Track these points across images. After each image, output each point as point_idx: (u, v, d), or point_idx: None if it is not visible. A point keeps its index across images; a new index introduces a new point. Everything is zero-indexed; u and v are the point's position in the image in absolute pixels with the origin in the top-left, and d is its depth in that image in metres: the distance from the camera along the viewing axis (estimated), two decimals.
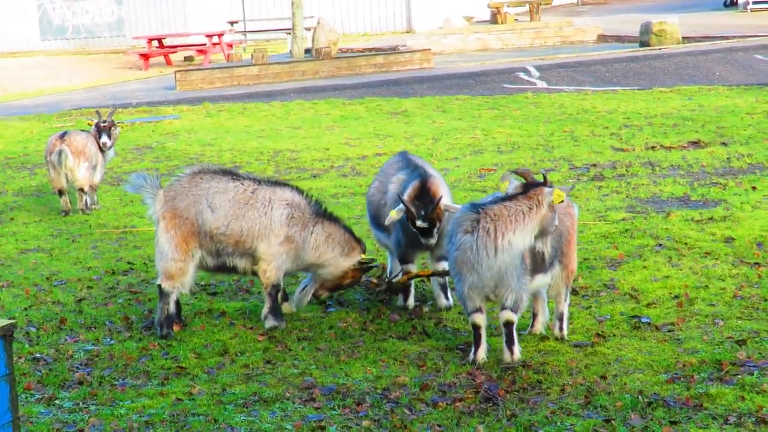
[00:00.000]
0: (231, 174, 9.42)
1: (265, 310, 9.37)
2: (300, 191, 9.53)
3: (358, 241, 9.63)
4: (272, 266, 9.26)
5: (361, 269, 9.62)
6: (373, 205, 9.94)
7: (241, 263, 9.33)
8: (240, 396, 7.73)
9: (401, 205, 9.16)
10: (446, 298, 9.66)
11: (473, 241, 7.89)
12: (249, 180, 9.40)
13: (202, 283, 10.73)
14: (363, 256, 9.58)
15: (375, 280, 9.83)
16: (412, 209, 9.09)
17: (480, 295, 8.05)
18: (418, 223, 9.11)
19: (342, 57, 30.42)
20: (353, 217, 12.87)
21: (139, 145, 19.82)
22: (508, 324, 8.08)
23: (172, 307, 9.22)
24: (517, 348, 8.15)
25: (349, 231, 9.62)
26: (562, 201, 7.99)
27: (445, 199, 9.23)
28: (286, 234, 9.27)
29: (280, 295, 9.42)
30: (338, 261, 9.50)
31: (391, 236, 9.67)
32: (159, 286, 9.22)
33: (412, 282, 9.71)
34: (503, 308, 8.05)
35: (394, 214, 9.22)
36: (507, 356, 8.12)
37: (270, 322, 9.32)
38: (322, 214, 9.50)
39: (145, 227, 13.37)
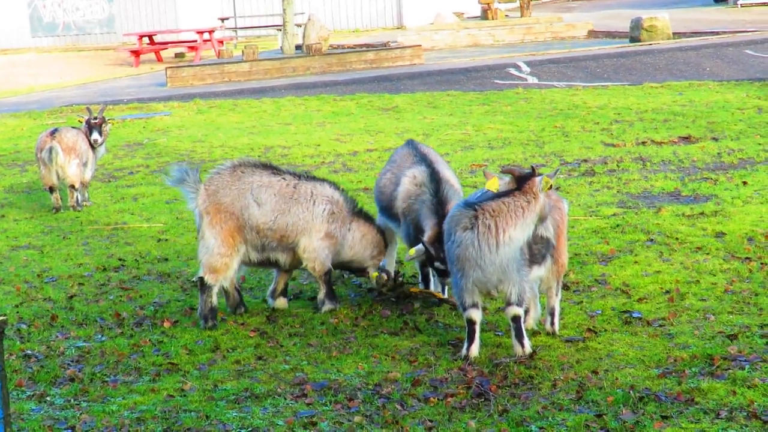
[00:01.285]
0: (271, 168, 9.48)
1: (320, 295, 9.54)
2: (337, 187, 9.65)
3: (386, 247, 9.85)
4: (319, 261, 9.42)
5: (370, 270, 9.81)
6: (385, 195, 9.93)
7: (283, 257, 9.44)
8: (231, 392, 7.73)
9: (421, 246, 9.24)
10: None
11: (474, 237, 7.92)
12: (289, 174, 9.49)
13: (194, 279, 10.71)
14: (376, 272, 9.73)
15: (386, 276, 9.80)
16: (432, 251, 9.18)
17: (482, 291, 8.08)
18: (436, 264, 9.26)
19: (333, 53, 30.42)
20: None
21: (130, 141, 19.80)
22: (516, 319, 8.11)
23: (214, 300, 9.23)
24: (527, 341, 8.17)
25: (381, 233, 9.83)
26: (551, 187, 8.03)
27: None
28: (326, 230, 9.41)
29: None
30: (365, 261, 9.77)
31: (401, 228, 9.73)
32: (201, 278, 9.22)
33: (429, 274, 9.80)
34: (509, 304, 8.07)
35: (413, 253, 9.33)
36: (518, 350, 8.14)
37: (327, 306, 9.51)
38: (358, 212, 9.67)
39: (137, 224, 13.37)
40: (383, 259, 9.77)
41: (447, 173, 9.69)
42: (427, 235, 9.28)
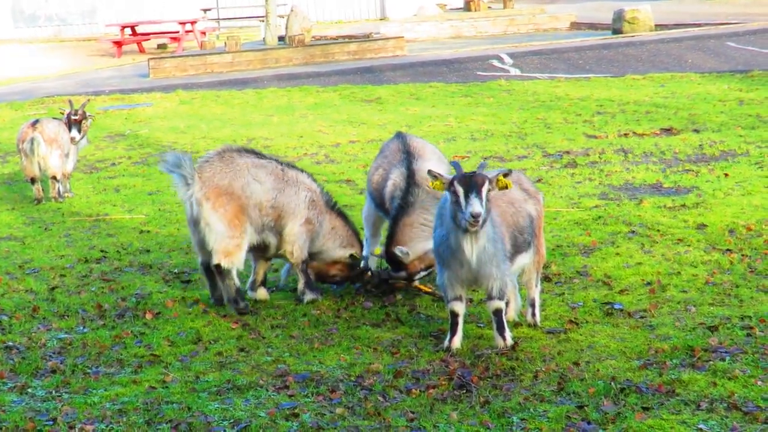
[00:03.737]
0: (255, 153, 9.60)
1: (300, 286, 9.60)
2: (314, 179, 9.83)
3: (360, 242, 9.94)
4: (297, 246, 9.50)
5: (349, 268, 9.83)
6: (378, 192, 10.03)
7: (274, 240, 9.53)
8: (214, 384, 7.72)
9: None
10: None
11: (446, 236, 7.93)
12: (272, 159, 9.64)
13: (176, 270, 10.71)
14: (356, 253, 9.80)
15: (368, 275, 9.85)
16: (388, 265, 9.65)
17: (462, 286, 8.08)
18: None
19: (315, 44, 30.39)
20: None
21: (112, 132, 19.76)
22: (497, 312, 8.10)
23: (237, 281, 9.27)
24: (508, 333, 8.17)
25: (353, 230, 9.91)
26: (440, 190, 7.93)
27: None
28: (307, 216, 9.52)
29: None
30: (334, 251, 9.80)
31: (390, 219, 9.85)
32: (218, 265, 9.21)
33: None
34: (490, 298, 8.06)
35: (378, 252, 9.85)
36: (500, 342, 8.13)
37: (308, 296, 9.57)
38: (332, 206, 9.79)
39: (118, 215, 13.34)
40: (351, 251, 9.82)
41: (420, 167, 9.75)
42: (385, 249, 9.68)
